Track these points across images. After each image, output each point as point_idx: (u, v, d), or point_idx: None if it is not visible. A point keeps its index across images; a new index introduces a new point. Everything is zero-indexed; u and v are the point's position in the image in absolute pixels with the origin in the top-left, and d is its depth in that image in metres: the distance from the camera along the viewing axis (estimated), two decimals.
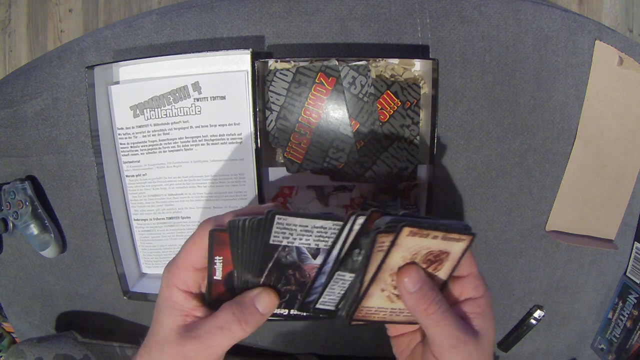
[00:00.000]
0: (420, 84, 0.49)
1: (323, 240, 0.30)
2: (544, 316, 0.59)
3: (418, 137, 0.49)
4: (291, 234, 0.29)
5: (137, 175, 0.52)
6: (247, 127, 0.49)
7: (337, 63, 0.46)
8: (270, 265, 0.30)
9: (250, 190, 0.51)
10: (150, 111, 0.50)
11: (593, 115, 0.54)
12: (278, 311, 0.33)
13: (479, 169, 0.54)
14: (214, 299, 0.32)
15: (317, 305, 0.33)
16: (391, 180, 0.49)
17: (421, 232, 0.30)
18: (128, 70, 0.51)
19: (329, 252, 0.31)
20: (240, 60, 0.49)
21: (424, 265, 0.32)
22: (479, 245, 0.56)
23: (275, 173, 0.49)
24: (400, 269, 0.31)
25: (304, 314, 0.33)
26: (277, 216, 0.28)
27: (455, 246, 0.32)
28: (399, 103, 0.48)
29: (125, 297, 0.52)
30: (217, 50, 0.49)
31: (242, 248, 0.30)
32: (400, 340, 0.37)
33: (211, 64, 0.49)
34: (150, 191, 0.52)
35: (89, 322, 0.61)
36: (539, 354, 0.62)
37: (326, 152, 0.48)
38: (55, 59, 0.54)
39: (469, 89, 0.52)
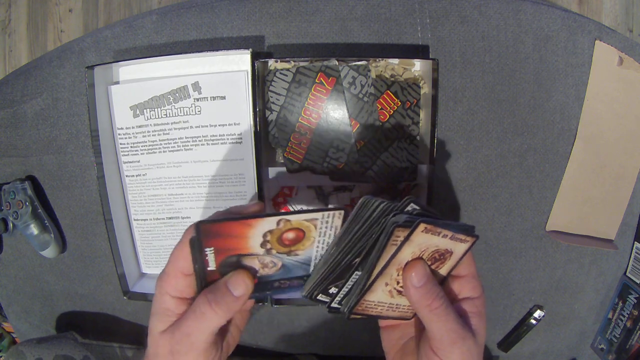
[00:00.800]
0: (420, 84, 0.49)
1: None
2: (544, 316, 0.59)
3: (418, 137, 0.49)
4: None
5: (137, 175, 0.52)
6: (247, 127, 0.49)
7: (337, 63, 0.46)
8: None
9: (250, 190, 0.51)
10: (150, 111, 0.50)
11: (593, 115, 0.54)
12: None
13: (479, 169, 0.54)
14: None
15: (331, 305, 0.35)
16: (391, 180, 0.49)
17: (434, 229, 0.31)
18: (128, 70, 0.51)
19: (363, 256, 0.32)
20: (240, 60, 0.49)
21: (429, 262, 0.33)
22: (479, 245, 0.56)
23: (275, 173, 0.49)
24: (407, 263, 0.32)
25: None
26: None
27: (459, 246, 0.33)
28: (399, 103, 0.48)
29: (125, 297, 0.52)
30: (217, 50, 0.49)
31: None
32: (392, 334, 0.38)
33: (211, 64, 0.49)
34: (150, 191, 0.52)
35: (89, 322, 0.61)
36: (539, 354, 0.62)
37: (326, 152, 0.48)
38: (55, 59, 0.54)
39: (469, 89, 0.52)
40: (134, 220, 0.54)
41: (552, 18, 0.52)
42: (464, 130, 0.53)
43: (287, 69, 0.47)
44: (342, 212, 0.31)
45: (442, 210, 0.55)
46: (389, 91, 0.48)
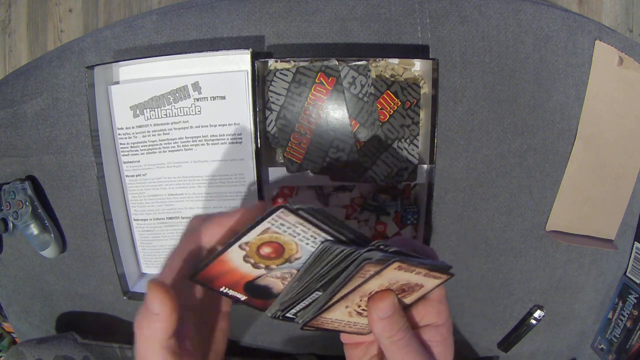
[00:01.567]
0: (420, 84, 0.49)
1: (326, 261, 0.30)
2: (544, 316, 0.59)
3: (418, 137, 0.49)
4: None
5: (137, 175, 0.52)
6: (247, 127, 0.49)
7: (337, 63, 0.46)
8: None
9: (250, 191, 0.51)
10: (150, 111, 0.50)
11: (593, 115, 0.54)
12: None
13: (479, 169, 0.54)
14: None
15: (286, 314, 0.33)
16: (391, 180, 0.49)
17: (408, 267, 0.30)
18: (128, 70, 0.51)
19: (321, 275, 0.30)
20: (240, 60, 0.49)
21: (396, 292, 0.32)
22: (479, 245, 0.56)
23: (275, 173, 0.49)
24: (374, 293, 0.31)
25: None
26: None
27: (431, 281, 0.32)
28: (399, 103, 0.48)
29: (125, 297, 0.52)
30: (217, 50, 0.49)
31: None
32: (355, 351, 0.36)
33: (211, 64, 0.49)
34: (150, 191, 0.52)
35: (89, 322, 0.61)
36: (539, 354, 0.62)
37: (326, 152, 0.48)
38: (55, 59, 0.54)
39: (469, 89, 0.52)
40: (134, 220, 0.54)
41: (552, 18, 0.52)
42: (464, 130, 0.53)
43: (287, 69, 0.47)
44: (284, 209, 0.26)
45: (443, 210, 0.55)
46: (389, 91, 0.48)
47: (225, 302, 0.34)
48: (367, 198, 0.53)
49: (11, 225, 0.56)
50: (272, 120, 0.48)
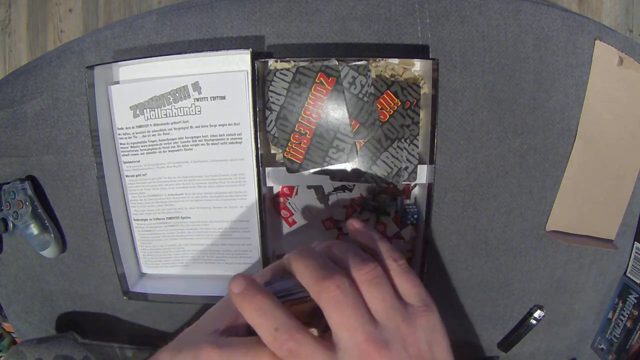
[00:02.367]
0: (420, 84, 0.49)
1: None
2: (544, 316, 0.59)
3: (418, 137, 0.49)
4: None
5: (137, 175, 0.52)
6: (247, 127, 0.49)
7: (337, 63, 0.46)
8: None
9: (250, 190, 0.51)
10: (150, 111, 0.50)
11: (593, 115, 0.54)
12: None
13: (479, 169, 0.54)
14: None
15: None
16: (391, 180, 0.49)
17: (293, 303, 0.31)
18: (128, 70, 0.51)
19: None
20: (240, 60, 0.49)
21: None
22: (479, 245, 0.56)
23: (275, 173, 0.49)
24: None
25: None
26: None
27: None
28: (399, 103, 0.48)
29: (125, 297, 0.52)
30: (217, 50, 0.49)
31: None
32: None
33: (211, 64, 0.49)
34: (150, 191, 0.52)
35: (88, 322, 0.61)
36: (539, 354, 0.62)
37: (326, 152, 0.48)
38: (55, 59, 0.54)
39: (469, 89, 0.52)
40: (134, 220, 0.54)
41: (552, 18, 0.52)
42: (464, 130, 0.53)
43: (287, 69, 0.47)
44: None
45: (443, 210, 0.55)
46: (389, 91, 0.48)
47: None
48: (367, 198, 0.53)
49: (11, 225, 0.56)
50: (272, 120, 0.48)
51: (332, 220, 0.54)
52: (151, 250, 0.54)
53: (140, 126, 0.50)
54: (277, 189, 0.53)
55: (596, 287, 0.60)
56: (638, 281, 0.57)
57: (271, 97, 0.47)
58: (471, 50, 0.52)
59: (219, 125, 0.49)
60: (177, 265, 0.55)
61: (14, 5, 1.48)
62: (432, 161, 0.47)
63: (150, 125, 0.50)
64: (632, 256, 0.59)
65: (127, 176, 0.52)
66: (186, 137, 0.50)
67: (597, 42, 0.53)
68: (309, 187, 0.53)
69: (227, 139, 0.50)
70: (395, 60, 0.49)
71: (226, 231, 0.52)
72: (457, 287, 0.58)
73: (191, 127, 0.50)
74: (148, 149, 0.51)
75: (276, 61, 0.47)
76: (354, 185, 0.52)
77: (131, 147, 0.51)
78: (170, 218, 0.53)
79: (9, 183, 0.55)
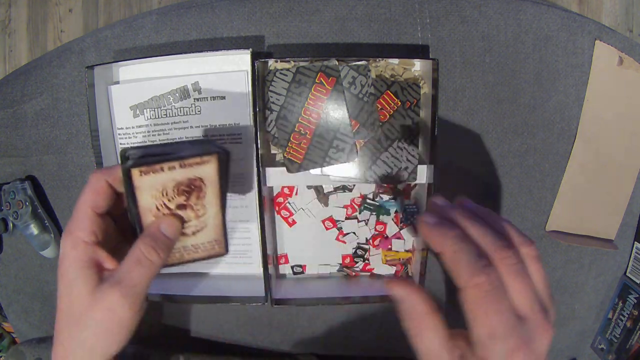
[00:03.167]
0: (420, 84, 0.49)
1: None
2: None
3: (418, 137, 0.49)
4: None
5: None
6: (247, 127, 0.49)
7: (337, 63, 0.46)
8: None
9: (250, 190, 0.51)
10: (150, 111, 0.50)
11: (593, 115, 0.54)
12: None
13: (479, 169, 0.54)
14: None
15: None
16: (391, 180, 0.49)
17: (152, 169, 0.32)
18: (128, 70, 0.51)
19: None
20: (241, 60, 0.49)
21: (182, 198, 0.34)
22: None
23: (275, 173, 0.49)
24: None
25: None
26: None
27: (204, 169, 0.34)
28: (399, 103, 0.48)
29: None
30: (217, 50, 0.49)
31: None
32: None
33: (211, 63, 0.49)
34: None
35: None
36: None
37: (326, 152, 0.48)
38: (55, 59, 0.54)
39: (469, 89, 0.52)
40: None
41: (552, 18, 0.52)
42: (464, 130, 0.53)
43: (287, 69, 0.47)
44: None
45: None
46: (389, 91, 0.48)
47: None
48: (367, 198, 0.53)
49: (11, 225, 0.56)
50: (272, 120, 0.48)
51: (332, 220, 0.54)
52: None
53: (140, 126, 0.50)
54: (277, 189, 0.53)
55: (596, 287, 0.60)
56: (638, 281, 0.57)
57: (271, 97, 0.47)
58: (471, 50, 0.52)
59: (219, 125, 0.49)
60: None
61: (14, 5, 1.48)
62: (432, 161, 0.47)
63: (150, 125, 0.50)
64: (632, 256, 0.59)
65: None
66: (186, 137, 0.50)
67: (597, 42, 0.53)
68: (309, 187, 0.53)
69: (227, 139, 0.50)
70: (395, 60, 0.49)
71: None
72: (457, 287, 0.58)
73: (191, 127, 0.50)
74: None
75: (276, 61, 0.47)
76: (354, 185, 0.52)
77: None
78: None
79: (9, 183, 0.55)
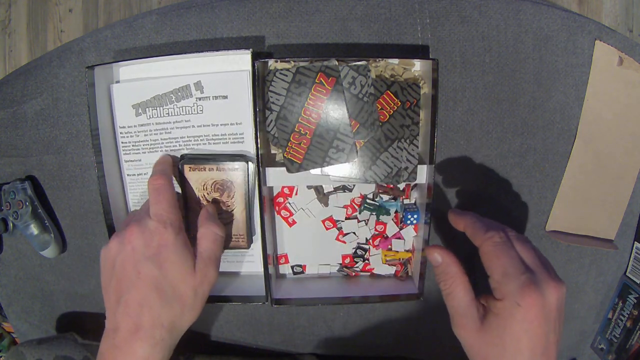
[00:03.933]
0: (420, 84, 0.49)
1: None
2: None
3: (418, 137, 0.49)
4: None
5: (138, 174, 0.52)
6: (248, 126, 0.49)
7: (337, 63, 0.46)
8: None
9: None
10: (152, 110, 0.50)
11: (593, 115, 0.54)
12: None
13: (479, 169, 0.54)
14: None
15: None
16: (391, 180, 0.49)
17: (198, 167, 0.47)
18: (128, 71, 0.51)
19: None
20: (241, 60, 0.49)
21: (217, 194, 0.48)
22: None
23: (275, 173, 0.49)
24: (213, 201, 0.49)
25: None
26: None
27: (234, 174, 0.48)
28: (399, 103, 0.48)
29: None
30: (217, 50, 0.49)
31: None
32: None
33: (212, 63, 0.49)
34: None
35: (89, 322, 0.61)
36: None
37: (326, 152, 0.48)
38: (55, 59, 0.54)
39: (469, 89, 0.52)
40: None
41: (552, 18, 0.52)
42: (464, 130, 0.53)
43: (287, 69, 0.47)
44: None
45: (442, 210, 0.55)
46: (389, 91, 0.48)
47: None
48: (367, 198, 0.53)
49: (11, 225, 0.56)
50: (272, 120, 0.48)
51: (332, 220, 0.54)
52: None
53: (141, 125, 0.50)
54: (277, 189, 0.53)
55: (596, 287, 0.60)
56: (638, 281, 0.57)
57: (271, 97, 0.47)
58: (471, 50, 0.52)
59: (221, 124, 0.49)
60: None
61: (14, 5, 1.48)
62: (432, 161, 0.47)
63: (152, 124, 0.50)
64: (632, 256, 0.59)
65: (128, 175, 0.52)
66: (188, 137, 0.50)
67: (597, 42, 0.53)
68: (309, 187, 0.53)
69: (229, 139, 0.50)
70: (395, 61, 0.49)
71: None
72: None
73: (193, 126, 0.50)
74: (149, 148, 0.51)
75: (276, 61, 0.47)
76: (354, 185, 0.52)
77: (132, 145, 0.51)
78: None
79: (9, 183, 0.55)
